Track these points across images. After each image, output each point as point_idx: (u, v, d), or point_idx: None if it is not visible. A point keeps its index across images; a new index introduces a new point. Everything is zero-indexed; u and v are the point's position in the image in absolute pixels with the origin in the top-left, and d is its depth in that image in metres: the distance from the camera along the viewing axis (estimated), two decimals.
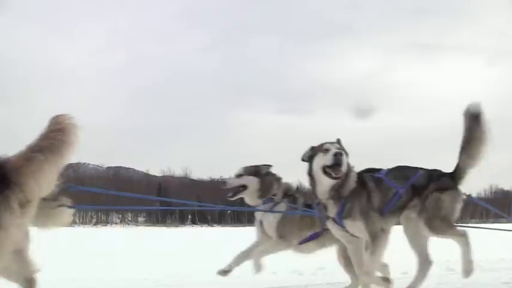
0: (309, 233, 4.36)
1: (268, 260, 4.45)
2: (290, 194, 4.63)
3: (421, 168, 3.92)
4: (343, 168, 3.63)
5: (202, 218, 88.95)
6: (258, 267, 4.34)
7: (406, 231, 3.99)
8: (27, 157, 2.64)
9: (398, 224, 4.00)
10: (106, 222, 79.37)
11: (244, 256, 4.47)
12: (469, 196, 4.06)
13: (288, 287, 5.27)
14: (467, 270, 3.86)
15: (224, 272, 4.40)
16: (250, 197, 4.65)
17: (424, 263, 4.00)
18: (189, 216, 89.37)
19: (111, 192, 16.60)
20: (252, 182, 4.60)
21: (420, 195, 3.82)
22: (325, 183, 3.67)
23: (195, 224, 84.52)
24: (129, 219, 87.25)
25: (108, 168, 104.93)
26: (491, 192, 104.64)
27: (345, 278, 4.54)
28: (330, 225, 3.86)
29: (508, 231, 5.47)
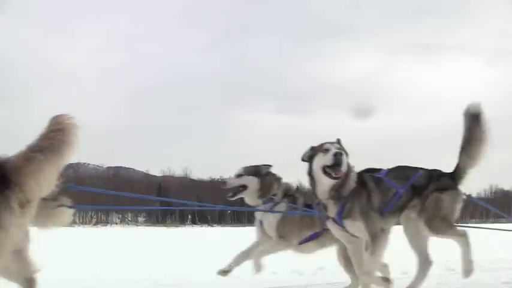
0: (309, 233, 4.36)
1: (268, 260, 4.45)
2: (290, 194, 4.63)
3: (421, 168, 3.92)
4: (343, 168, 3.63)
5: (202, 218, 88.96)
6: (258, 267, 4.34)
7: (406, 231, 3.99)
8: (27, 157, 2.64)
9: (399, 224, 3.99)
10: (106, 222, 79.39)
11: (244, 256, 4.47)
12: (469, 196, 4.06)
13: (288, 287, 5.27)
14: (468, 270, 3.86)
15: (224, 272, 4.40)
16: (250, 197, 4.65)
17: (424, 263, 4.00)
18: (189, 216, 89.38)
19: (111, 192, 16.54)
20: (252, 182, 4.60)
21: (420, 195, 3.81)
22: (325, 183, 3.67)
23: (195, 224, 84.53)
24: (129, 219, 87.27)
25: (108, 168, 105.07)
26: (491, 192, 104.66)
27: (345, 278, 4.54)
28: (329, 225, 3.86)
29: (507, 231, 5.46)
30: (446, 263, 8.12)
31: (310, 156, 3.76)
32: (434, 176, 3.88)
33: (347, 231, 3.77)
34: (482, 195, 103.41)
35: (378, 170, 3.89)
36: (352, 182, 3.70)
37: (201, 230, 47.30)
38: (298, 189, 4.62)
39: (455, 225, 3.85)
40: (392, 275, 4.28)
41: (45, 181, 2.68)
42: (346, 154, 3.74)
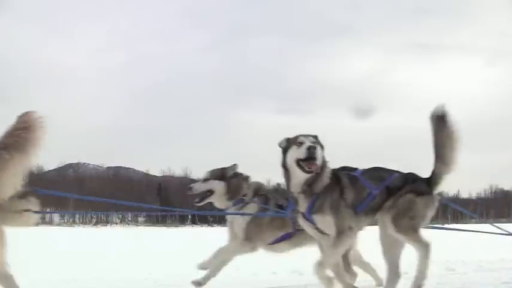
0: (280, 234, 4.31)
1: (268, 260, 4.45)
2: (261, 193, 4.57)
3: (397, 171, 3.87)
4: (318, 162, 3.57)
5: (202, 218, 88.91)
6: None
7: (381, 239, 3.85)
8: None
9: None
10: (106, 222, 79.35)
11: (218, 263, 4.38)
12: (441, 199, 3.92)
13: (288, 287, 5.27)
14: (418, 283, 3.65)
15: (198, 284, 4.32)
16: (218, 201, 4.60)
17: (394, 276, 3.86)
18: (189, 216, 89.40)
19: (75, 196, 16.03)
20: (218, 186, 4.55)
21: (394, 196, 3.75)
22: (298, 176, 3.61)
23: (195, 224, 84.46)
24: (129, 219, 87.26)
25: (108, 168, 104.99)
26: (491, 192, 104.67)
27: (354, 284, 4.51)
28: (300, 220, 3.79)
29: (470, 232, 5.29)
30: (446, 263, 8.12)
31: (284, 149, 3.70)
32: (409, 179, 3.82)
33: (317, 228, 3.70)
34: (482, 195, 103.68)
35: (354, 169, 3.84)
36: (326, 178, 3.65)
37: (201, 230, 47.27)
38: (278, 189, 4.56)
39: (421, 231, 3.73)
40: None
41: (10, 180, 2.60)
42: (322, 148, 3.69)
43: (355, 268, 4.44)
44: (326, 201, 3.60)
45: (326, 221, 3.61)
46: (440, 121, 3.74)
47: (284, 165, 3.68)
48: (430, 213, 3.76)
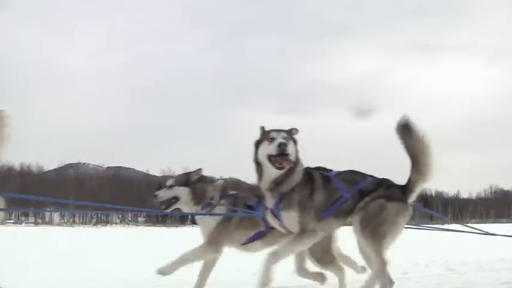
0: (251, 233, 4.25)
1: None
2: (230, 194, 4.53)
3: (371, 176, 3.80)
4: (290, 158, 3.51)
5: None
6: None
7: (358, 243, 3.76)
8: None
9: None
10: (106, 222, 79.28)
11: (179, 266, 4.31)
12: (414, 205, 3.76)
13: (288, 287, 5.27)
14: None
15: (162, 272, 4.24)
16: (185, 207, 4.55)
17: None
18: (189, 216, 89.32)
19: (50, 200, 15.63)
20: (183, 193, 4.49)
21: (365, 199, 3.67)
22: (270, 172, 3.54)
23: (195, 224, 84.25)
24: (129, 219, 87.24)
25: (108, 168, 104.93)
26: (491, 192, 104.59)
27: (346, 278, 4.53)
28: (268, 217, 3.73)
29: (447, 231, 5.25)
30: (446, 263, 8.13)
31: (256, 143, 3.63)
32: (383, 184, 3.73)
33: (284, 225, 3.63)
34: (482, 195, 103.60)
35: (329, 170, 3.78)
36: (297, 175, 3.58)
37: None
38: (253, 187, 4.44)
39: (386, 241, 3.57)
40: (392, 275, 4.28)
41: None
42: (295, 144, 3.62)
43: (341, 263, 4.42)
44: (295, 198, 3.53)
45: (292, 218, 3.54)
46: (405, 130, 3.65)
47: (256, 160, 3.62)
48: (402, 220, 3.65)
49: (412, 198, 3.69)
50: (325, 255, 4.21)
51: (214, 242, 4.35)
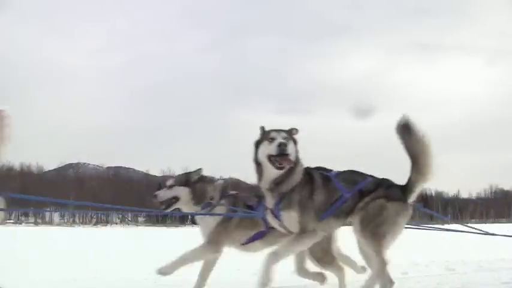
0: (251, 233, 4.25)
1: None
2: (230, 194, 4.52)
3: (372, 176, 3.78)
4: (290, 158, 3.51)
5: None
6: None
7: (358, 243, 3.75)
8: None
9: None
10: (106, 222, 79.28)
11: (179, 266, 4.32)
12: (414, 205, 3.75)
13: (288, 287, 5.27)
14: None
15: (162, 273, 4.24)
16: (185, 207, 4.55)
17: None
18: (189, 216, 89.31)
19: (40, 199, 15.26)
20: (183, 193, 4.48)
21: (365, 199, 3.65)
22: (270, 172, 3.54)
23: (195, 224, 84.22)
24: (129, 219, 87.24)
25: (108, 168, 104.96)
26: (491, 192, 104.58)
27: (346, 278, 4.53)
28: (268, 217, 3.72)
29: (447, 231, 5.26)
30: (446, 263, 8.13)
31: (256, 143, 3.62)
32: (384, 184, 3.72)
33: (283, 225, 3.62)
34: (482, 195, 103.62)
35: (329, 170, 3.77)
36: (297, 175, 3.57)
37: None
38: (253, 187, 4.41)
39: (386, 241, 3.56)
40: (392, 275, 4.28)
41: None
42: (295, 144, 3.62)
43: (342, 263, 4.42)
44: (295, 198, 3.52)
45: (292, 218, 3.53)
46: (405, 130, 3.64)
47: (256, 160, 3.61)
48: (402, 220, 3.64)
49: (412, 198, 3.68)
50: (325, 255, 4.21)
51: (214, 242, 4.34)
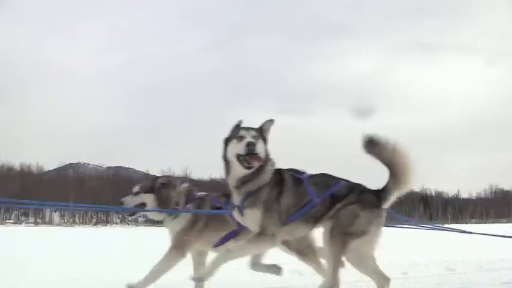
0: (222, 234, 4.10)
1: (268, 260, 4.44)
2: (196, 197, 4.48)
3: (345, 180, 3.67)
4: (260, 157, 3.42)
5: None
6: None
7: (347, 259, 3.62)
8: None
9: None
10: (106, 222, 79.23)
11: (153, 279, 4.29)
12: (387, 211, 3.63)
13: (288, 287, 5.27)
14: None
15: None
16: (152, 214, 4.51)
17: (382, 281, 3.69)
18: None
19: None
20: (149, 199, 4.43)
21: (337, 205, 3.53)
22: (237, 171, 3.46)
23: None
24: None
25: (108, 168, 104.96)
26: (491, 192, 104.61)
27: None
28: (235, 214, 3.61)
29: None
30: (446, 263, 8.13)
31: (226, 140, 3.55)
32: (357, 189, 3.60)
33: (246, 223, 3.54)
34: (482, 195, 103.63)
35: (302, 173, 3.67)
36: (266, 174, 3.48)
37: None
38: (225, 193, 4.26)
39: (350, 248, 3.45)
40: (393, 275, 4.28)
41: None
42: (265, 142, 3.53)
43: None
44: (261, 197, 3.43)
45: (254, 217, 3.43)
46: (372, 145, 3.55)
47: (225, 158, 3.55)
48: (374, 228, 3.51)
49: (387, 205, 3.57)
50: (307, 247, 4.12)
51: (179, 246, 4.31)
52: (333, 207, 3.52)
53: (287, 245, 4.08)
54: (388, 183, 3.56)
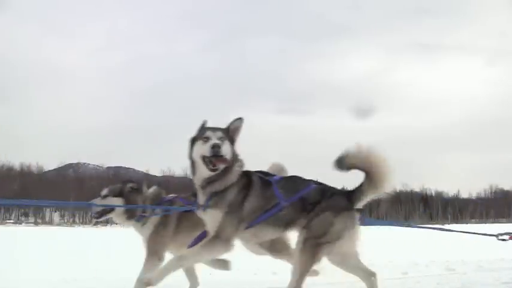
0: (195, 234, 4.00)
1: (268, 260, 4.43)
2: (165, 200, 4.43)
3: (315, 182, 3.60)
4: (227, 158, 3.38)
5: None
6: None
7: (332, 261, 3.64)
8: None
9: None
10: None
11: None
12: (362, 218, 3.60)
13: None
14: None
15: None
16: (119, 219, 4.44)
17: (368, 277, 3.71)
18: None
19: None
20: (117, 203, 4.36)
21: (309, 212, 3.47)
22: (202, 172, 3.42)
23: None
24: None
25: (108, 168, 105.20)
26: (491, 192, 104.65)
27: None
28: (200, 213, 3.55)
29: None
30: (446, 263, 8.13)
31: (191, 140, 3.50)
32: (327, 192, 3.54)
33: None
34: (482, 195, 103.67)
35: (272, 175, 3.64)
36: (233, 175, 3.43)
37: None
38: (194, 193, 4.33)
39: (322, 255, 3.43)
40: (393, 275, 4.28)
41: None
42: (232, 143, 3.48)
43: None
44: (225, 198, 3.38)
45: (214, 218, 3.38)
46: (341, 162, 3.51)
47: (190, 158, 3.49)
48: (349, 232, 3.47)
49: (360, 205, 3.54)
50: (279, 242, 4.02)
51: (153, 252, 4.28)
52: (305, 211, 3.47)
53: (259, 245, 3.99)
54: (362, 184, 3.53)
